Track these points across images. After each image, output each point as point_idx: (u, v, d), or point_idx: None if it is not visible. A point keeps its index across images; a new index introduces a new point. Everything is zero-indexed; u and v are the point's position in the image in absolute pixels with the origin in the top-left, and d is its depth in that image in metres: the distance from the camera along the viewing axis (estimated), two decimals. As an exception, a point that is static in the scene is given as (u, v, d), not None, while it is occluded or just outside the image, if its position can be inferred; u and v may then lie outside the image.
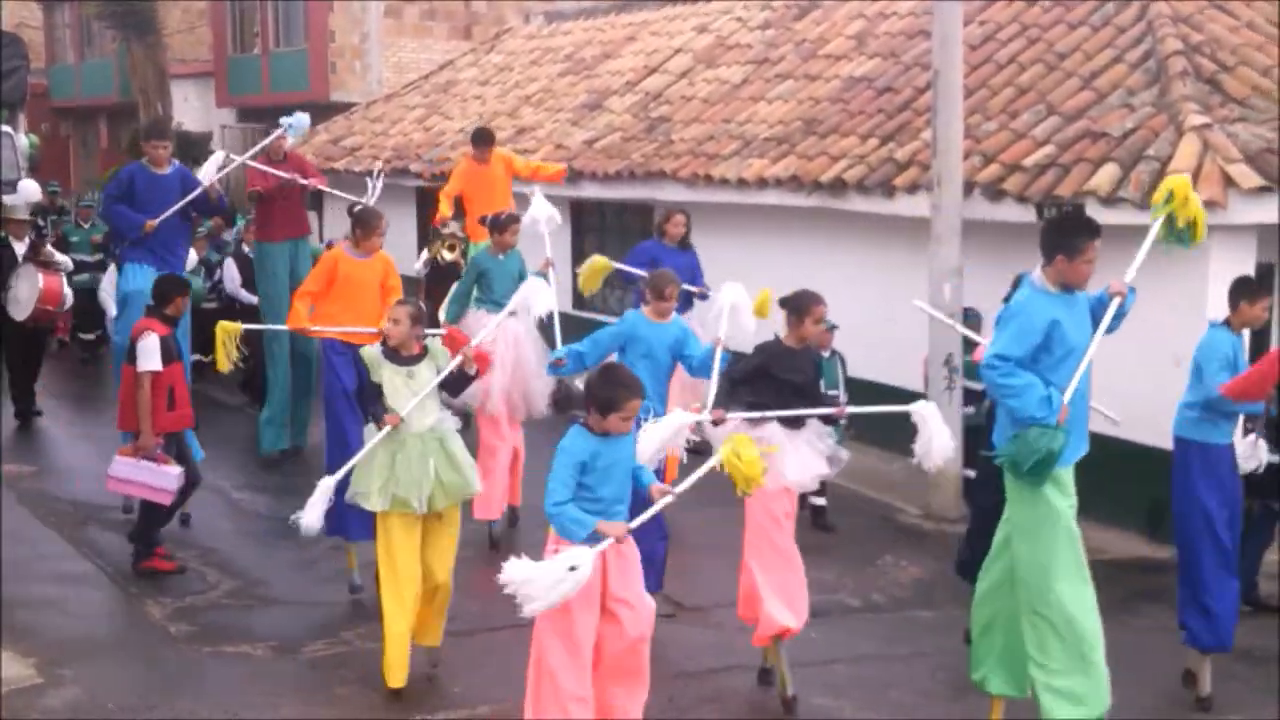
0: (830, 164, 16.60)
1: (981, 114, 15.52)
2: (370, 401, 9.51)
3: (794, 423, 9.43)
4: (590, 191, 20.52)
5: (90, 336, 21.80)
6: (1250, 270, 13.09)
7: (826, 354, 13.55)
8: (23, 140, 28.82)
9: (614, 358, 10.67)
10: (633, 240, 20.17)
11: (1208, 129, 13.17)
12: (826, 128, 17.56)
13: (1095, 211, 13.24)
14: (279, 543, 12.56)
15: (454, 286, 13.99)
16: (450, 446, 9.50)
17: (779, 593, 9.46)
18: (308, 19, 37.49)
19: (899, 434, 9.97)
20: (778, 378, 9.47)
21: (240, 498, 14.29)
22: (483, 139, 16.07)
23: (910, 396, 10.65)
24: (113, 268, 17.77)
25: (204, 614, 11.00)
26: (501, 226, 13.07)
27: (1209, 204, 12.45)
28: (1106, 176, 13.29)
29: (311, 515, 9.28)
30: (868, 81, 18.13)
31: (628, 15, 27.06)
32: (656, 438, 8.31)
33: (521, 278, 12.84)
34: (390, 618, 9.44)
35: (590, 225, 21.65)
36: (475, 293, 13.07)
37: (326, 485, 9.36)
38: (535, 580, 7.12)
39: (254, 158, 15.40)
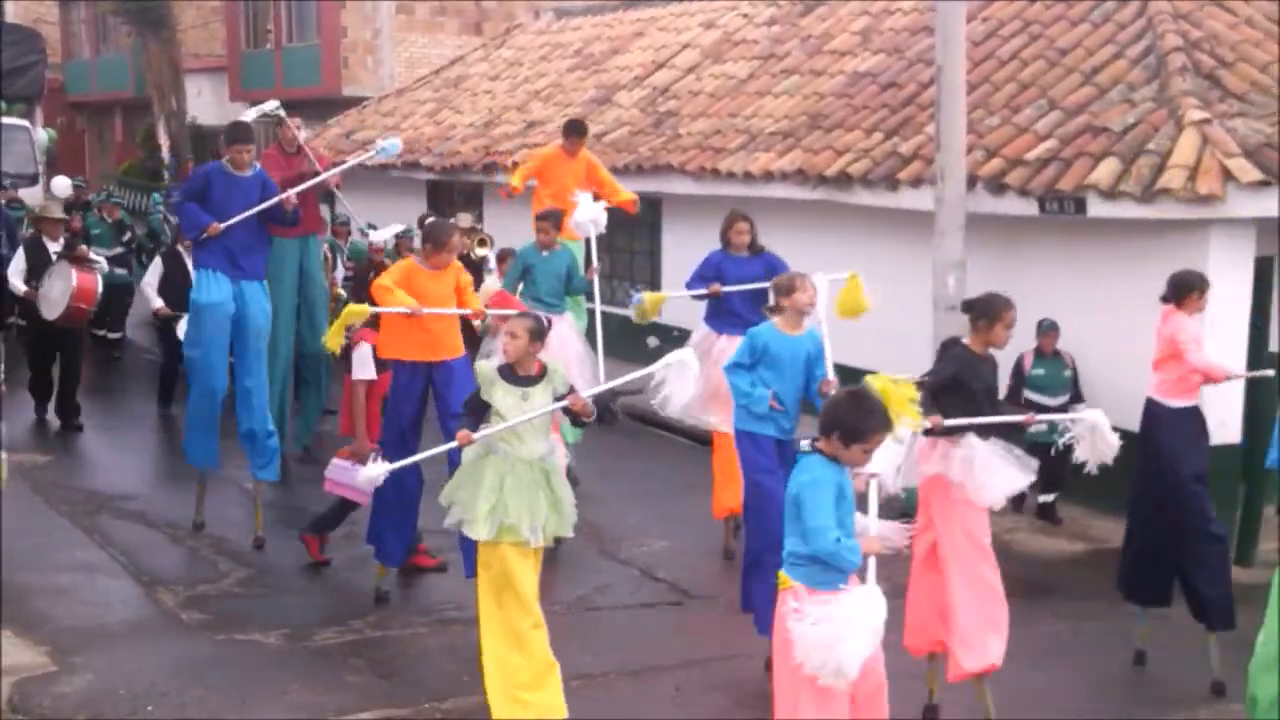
0: (835, 158, 16.59)
1: (984, 109, 15.49)
2: (473, 420, 8.70)
3: (985, 433, 8.98)
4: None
5: (116, 335, 20.96)
6: (1250, 264, 13.10)
7: (1048, 356, 13.81)
8: (41, 134, 28.85)
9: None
10: (639, 232, 20.21)
11: (1207, 124, 13.14)
12: (831, 122, 17.53)
13: (1096, 205, 13.29)
14: (290, 532, 12.55)
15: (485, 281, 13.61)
16: (555, 481, 8.74)
17: (990, 627, 9.02)
18: (320, 15, 37.48)
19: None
20: (969, 386, 8.93)
21: (253, 487, 14.26)
22: (576, 131, 14.83)
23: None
24: (157, 260, 17.62)
25: (216, 602, 11.00)
26: (540, 219, 12.95)
27: (1209, 198, 12.44)
28: (1107, 170, 13.27)
29: (375, 472, 8.82)
30: (872, 77, 18.11)
31: (636, 11, 27.01)
32: (889, 458, 7.86)
33: (569, 277, 12.88)
34: (499, 658, 8.63)
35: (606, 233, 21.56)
36: (520, 288, 12.86)
37: (379, 469, 8.84)
38: (836, 639, 6.54)
39: (272, 147, 15.02)
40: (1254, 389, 12.48)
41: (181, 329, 15.54)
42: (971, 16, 16.29)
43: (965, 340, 9.18)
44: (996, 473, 8.87)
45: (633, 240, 20.69)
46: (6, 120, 27.69)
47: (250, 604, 11.10)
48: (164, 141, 42.26)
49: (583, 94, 23.78)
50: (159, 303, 16.90)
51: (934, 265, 14.16)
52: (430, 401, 11.01)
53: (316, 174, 14.39)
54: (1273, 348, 13.27)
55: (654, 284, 20.22)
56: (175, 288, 16.42)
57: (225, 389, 12.65)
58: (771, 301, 10.08)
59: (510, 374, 8.59)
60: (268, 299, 12.77)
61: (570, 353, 12.33)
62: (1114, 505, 13.02)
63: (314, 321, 15.13)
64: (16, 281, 16.61)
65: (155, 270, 17.33)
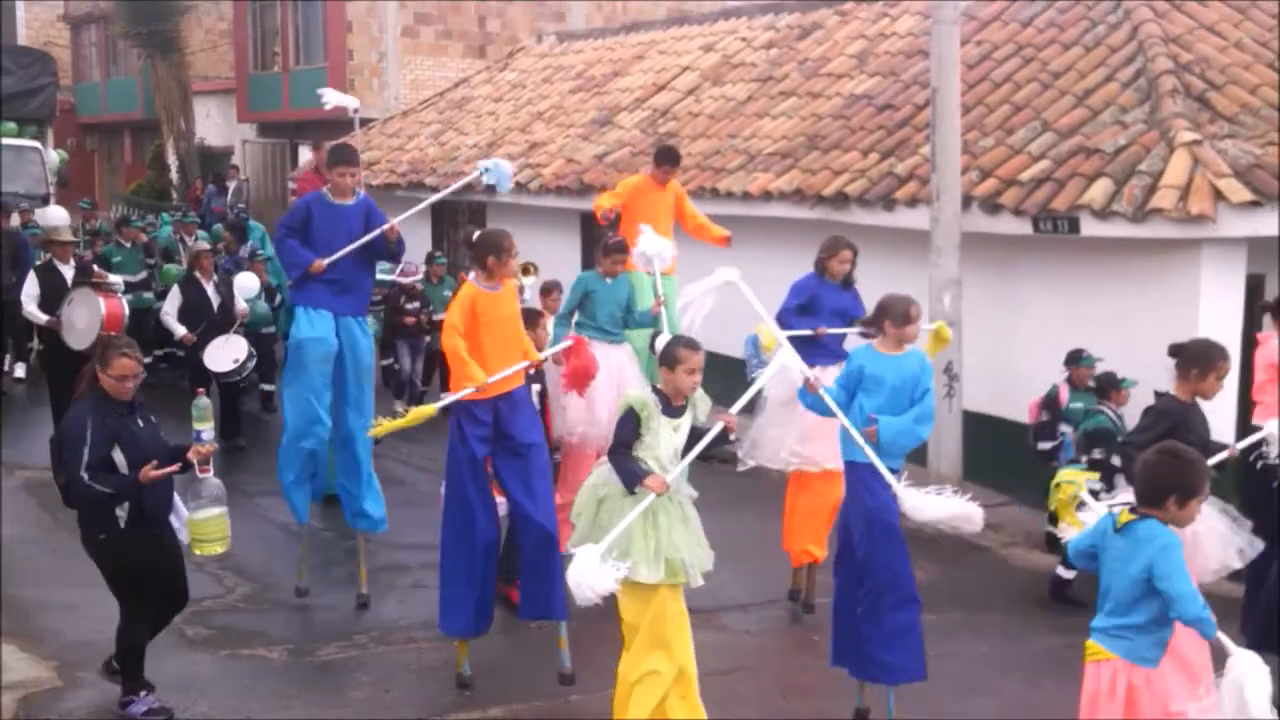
0: (832, 178, 16.57)
1: (979, 130, 15.47)
2: (623, 459, 8.07)
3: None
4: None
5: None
6: (1242, 282, 13.07)
7: (1082, 389, 13.02)
8: (52, 155, 28.87)
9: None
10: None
11: (1198, 145, 13.12)
12: (829, 143, 17.51)
13: (1089, 225, 13.26)
14: (294, 547, 12.49)
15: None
16: (689, 511, 8.32)
17: None
18: (327, 38, 37.48)
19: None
20: (1185, 440, 7.88)
21: (259, 502, 14.21)
22: (669, 158, 13.30)
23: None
24: (175, 289, 16.81)
25: (220, 617, 10.95)
26: (606, 251, 11.85)
27: (1200, 217, 12.42)
28: (1100, 191, 13.25)
29: (600, 583, 7.67)
30: (868, 99, 18.09)
31: (636, 35, 27.04)
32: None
33: (629, 308, 11.90)
34: (651, 705, 8.21)
35: (600, 237, 21.55)
36: (578, 316, 11.87)
37: (593, 551, 7.73)
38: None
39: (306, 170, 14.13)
40: (1246, 402, 12.50)
41: (213, 357, 15.32)
42: (966, 40, 16.28)
43: (1172, 390, 8.62)
44: (1219, 545, 8.36)
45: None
46: (19, 142, 27.73)
47: (254, 620, 11.04)
48: (172, 162, 42.26)
49: (584, 115, 23.77)
50: (182, 330, 16.31)
51: (930, 283, 14.13)
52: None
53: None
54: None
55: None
56: (196, 315, 16.17)
57: (327, 431, 11.36)
58: (866, 320, 9.71)
59: (666, 404, 8.20)
60: (370, 336, 11.71)
61: (629, 380, 11.51)
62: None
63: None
64: (32, 307, 15.95)
65: (174, 299, 16.66)
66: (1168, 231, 12.74)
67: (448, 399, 9.56)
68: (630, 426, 8.09)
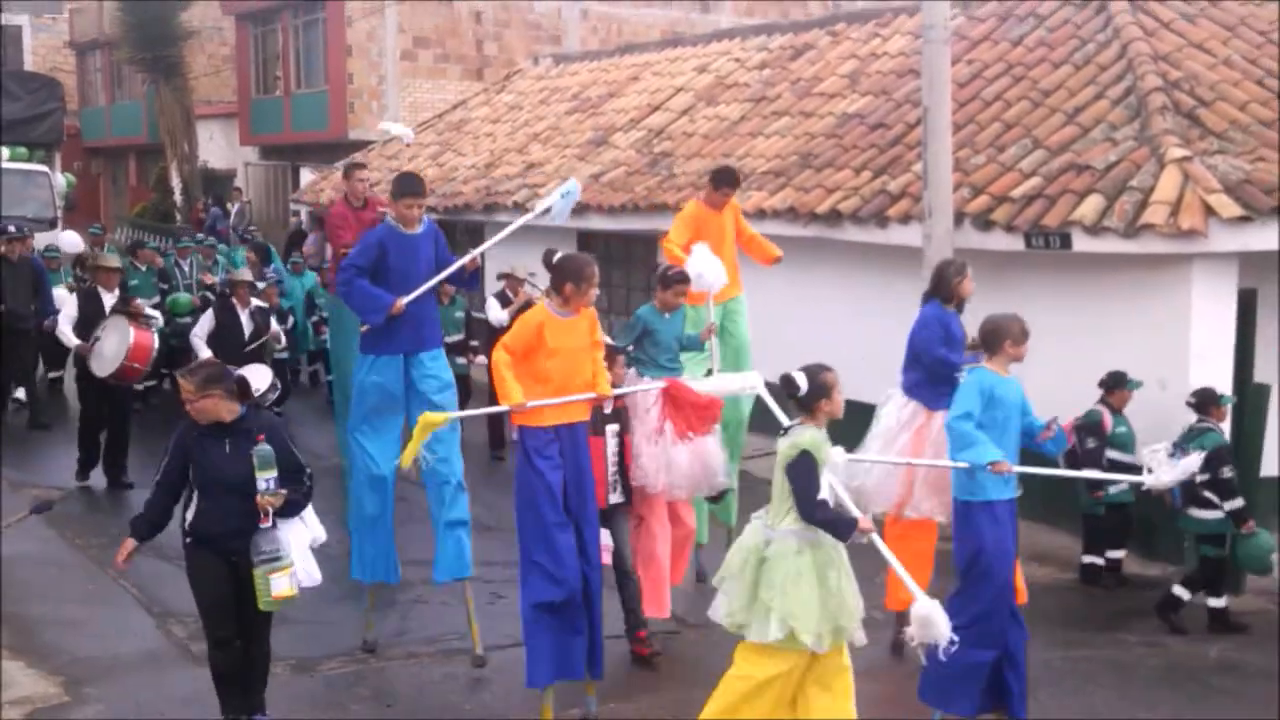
0: (826, 196, 16.50)
1: (970, 148, 15.40)
2: (825, 510, 7.51)
3: None
4: (596, 224, 20.42)
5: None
6: (1233, 296, 13.00)
7: (1121, 412, 12.73)
8: (60, 180, 28.79)
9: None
10: (635, 269, 20.08)
11: (1188, 161, 13.05)
12: (822, 162, 17.44)
13: (1081, 240, 13.18)
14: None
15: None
16: (844, 556, 7.79)
17: None
18: (328, 62, 37.48)
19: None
20: None
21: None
22: (729, 180, 12.28)
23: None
24: (209, 312, 16.37)
25: (225, 633, 10.84)
26: (667, 283, 10.80)
27: (1191, 232, 12.34)
28: (1091, 207, 13.18)
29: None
30: (860, 118, 18.03)
31: (631, 57, 27.02)
32: None
33: (688, 344, 11.02)
34: None
35: (598, 256, 21.44)
36: (639, 354, 10.79)
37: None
38: None
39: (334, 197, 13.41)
40: (1240, 417, 12.46)
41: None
42: (957, 59, 16.21)
43: None
44: None
45: (629, 277, 20.58)
46: (28, 166, 27.66)
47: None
48: (176, 184, 42.22)
49: (581, 136, 23.73)
50: (207, 353, 15.17)
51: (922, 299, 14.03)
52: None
53: None
54: (1257, 378, 13.17)
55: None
56: (228, 342, 15.60)
57: (394, 478, 10.52)
58: (977, 342, 9.31)
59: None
60: (448, 369, 10.64)
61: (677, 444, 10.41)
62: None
63: None
64: (67, 329, 15.51)
65: (206, 322, 16.09)
66: (1159, 247, 12.67)
67: (465, 413, 9.50)
68: (815, 473, 7.50)
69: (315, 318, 21.16)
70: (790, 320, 15.96)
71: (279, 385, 14.74)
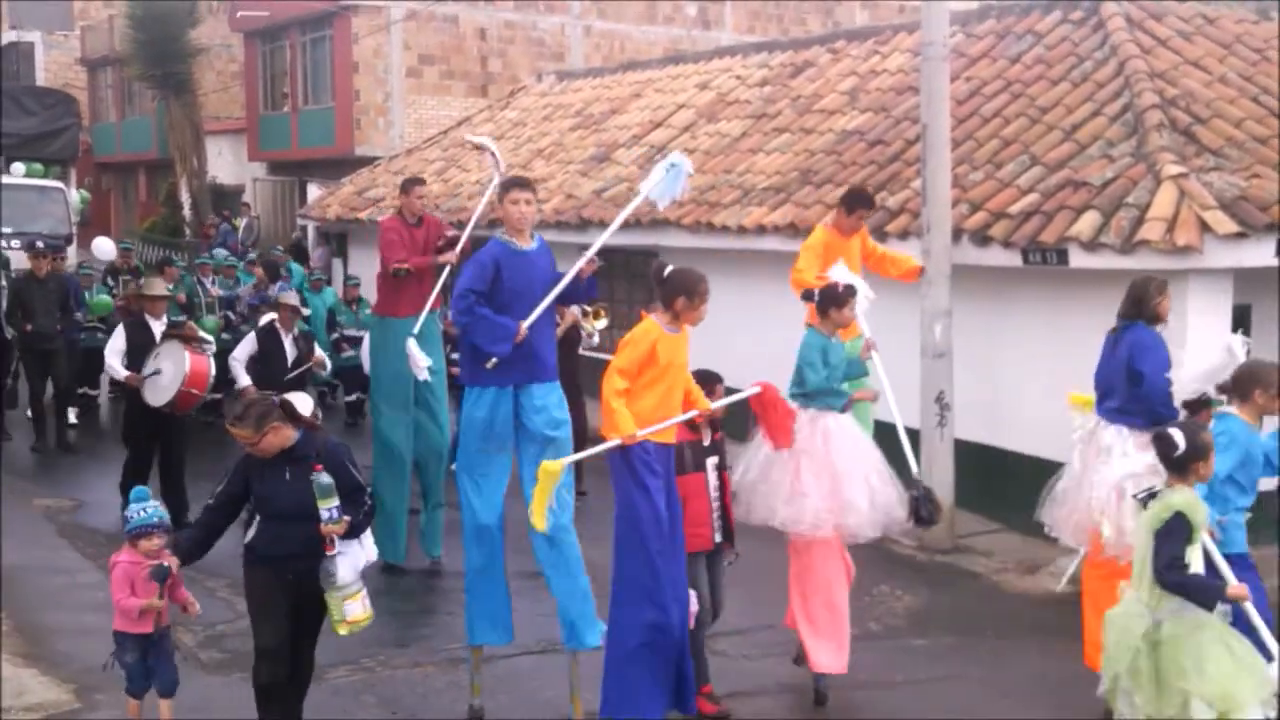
0: (825, 212, 16.40)
1: (968, 164, 15.38)
2: (1194, 578, 6.98)
3: None
4: (598, 238, 20.35)
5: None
6: (1228, 312, 12.97)
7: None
8: (74, 196, 28.70)
9: None
10: (636, 284, 20.05)
11: (1184, 178, 13.03)
12: (821, 178, 17.43)
13: (1078, 256, 13.16)
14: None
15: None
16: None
17: None
18: (335, 79, 37.56)
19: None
20: None
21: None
22: (863, 202, 11.72)
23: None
24: (251, 335, 15.07)
25: (232, 641, 10.84)
26: (840, 300, 9.81)
27: (1187, 249, 12.33)
28: (1088, 223, 13.15)
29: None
30: (860, 134, 18.02)
31: (634, 74, 27.02)
32: None
33: (850, 371, 10.08)
34: None
35: (599, 271, 21.45)
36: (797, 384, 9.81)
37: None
38: None
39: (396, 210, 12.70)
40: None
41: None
42: (955, 76, 16.19)
43: None
44: None
45: (631, 292, 20.56)
46: (43, 182, 27.61)
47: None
48: (185, 200, 42.27)
49: (583, 152, 23.72)
50: (246, 380, 14.39)
51: (922, 314, 14.02)
52: None
53: (444, 248, 12.52)
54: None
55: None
56: (269, 367, 14.55)
57: (501, 522, 9.34)
58: (1223, 386, 8.75)
59: None
60: (564, 404, 9.44)
61: (842, 445, 9.56)
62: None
63: (432, 410, 12.98)
64: (115, 362, 14.37)
65: (247, 346, 14.86)
66: (1155, 263, 12.63)
67: (581, 455, 8.78)
68: (1183, 538, 6.96)
69: (336, 335, 20.50)
70: (788, 335, 15.90)
71: (320, 414, 14.43)
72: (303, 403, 13.72)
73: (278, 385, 13.43)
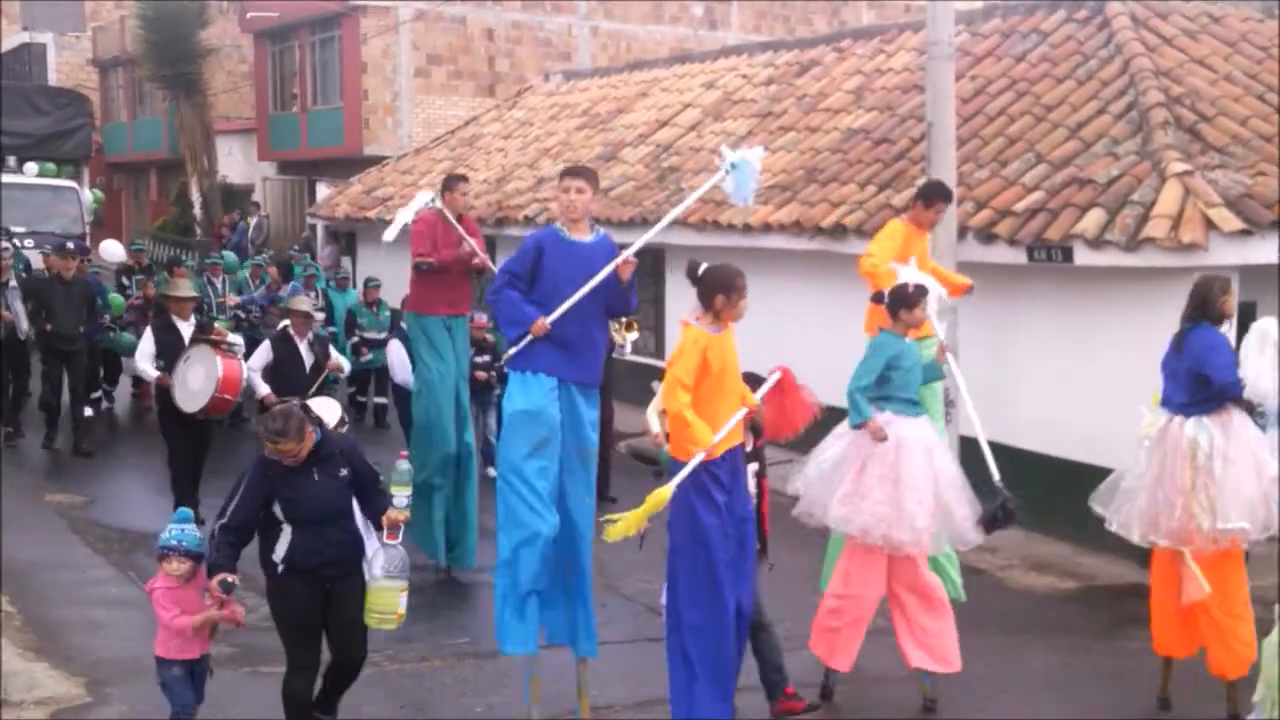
0: (830, 210, 16.46)
1: (974, 163, 15.36)
2: None
3: None
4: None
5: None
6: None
7: None
8: (88, 195, 28.63)
9: None
10: (643, 281, 20.01)
11: (1189, 175, 13.00)
12: (827, 176, 17.41)
13: (1083, 254, 13.13)
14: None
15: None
16: None
17: None
18: (343, 79, 37.54)
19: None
20: None
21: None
22: (942, 195, 11.20)
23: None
24: (266, 344, 14.54)
25: (242, 636, 10.73)
26: (912, 302, 9.42)
27: (1191, 246, 12.29)
28: (1093, 221, 13.12)
29: None
30: (865, 133, 17.99)
31: (640, 73, 27.02)
32: None
33: (926, 374, 9.72)
34: None
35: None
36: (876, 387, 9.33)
37: None
38: None
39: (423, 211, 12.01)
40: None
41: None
42: (960, 75, 16.18)
43: None
44: None
45: (638, 289, 20.49)
46: (57, 182, 27.57)
47: (274, 638, 10.77)
48: (196, 199, 42.27)
49: (590, 151, 23.69)
50: (265, 389, 13.91)
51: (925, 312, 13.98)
52: None
53: (475, 257, 11.96)
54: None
55: (658, 330, 20.09)
56: (285, 375, 14.03)
57: (556, 529, 8.79)
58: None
59: None
60: (596, 406, 9.05)
61: (914, 455, 9.20)
62: (1103, 543, 12.86)
63: (461, 412, 12.46)
64: (145, 365, 14.03)
65: (262, 355, 14.32)
66: (1160, 260, 12.61)
67: (682, 475, 8.11)
68: None
69: (356, 338, 19.73)
70: (795, 332, 15.91)
71: (347, 419, 14.00)
72: (330, 409, 13.31)
73: (298, 393, 12.98)
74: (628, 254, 8.76)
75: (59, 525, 13.96)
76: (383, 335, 18.86)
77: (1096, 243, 12.95)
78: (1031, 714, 9.57)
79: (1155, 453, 9.37)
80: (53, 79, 52.17)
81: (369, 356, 19.31)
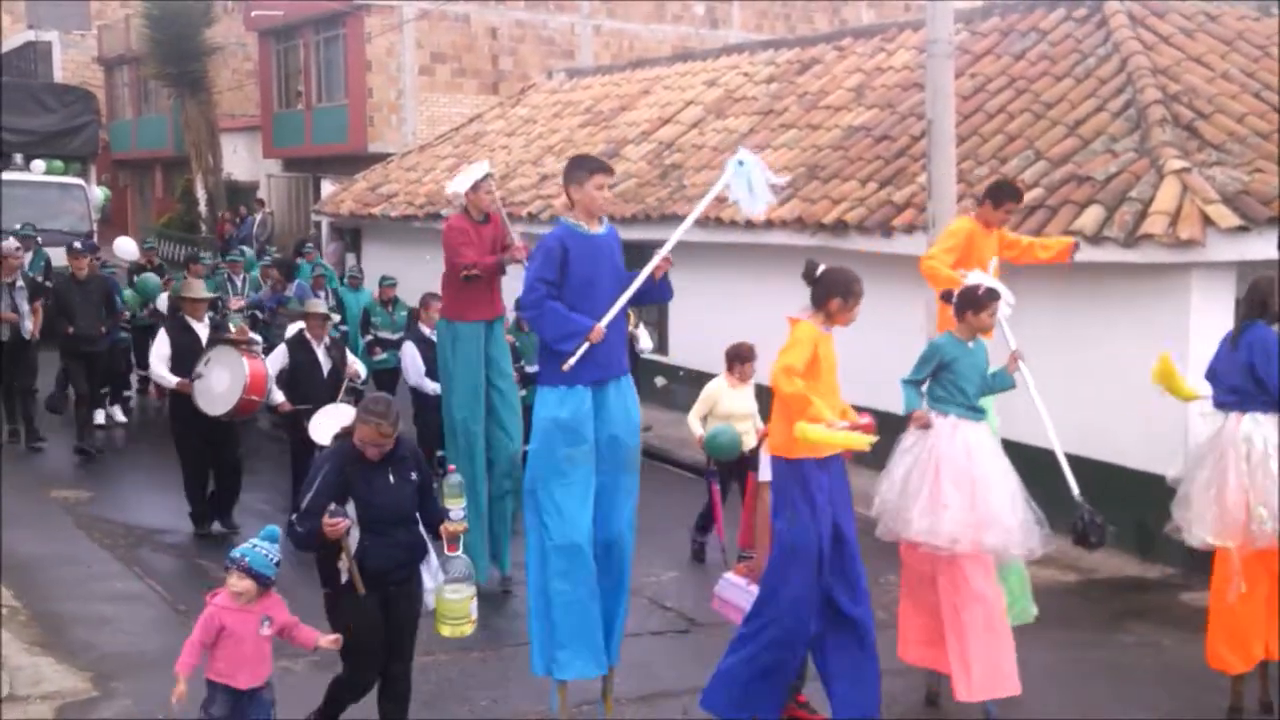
0: (832, 207, 16.46)
1: (973, 159, 15.36)
2: None
3: None
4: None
5: None
6: (1231, 305, 12.93)
7: None
8: (96, 193, 28.56)
9: None
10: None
11: (1186, 172, 12.99)
12: (828, 173, 17.40)
13: (1081, 250, 13.10)
14: (311, 565, 12.39)
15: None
16: None
17: None
18: (348, 77, 37.54)
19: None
20: None
21: (281, 520, 14.06)
22: (1012, 195, 10.62)
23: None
24: (282, 348, 13.85)
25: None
26: (977, 305, 9.00)
27: (1189, 242, 12.28)
28: (1091, 218, 13.12)
29: None
30: (866, 130, 17.99)
31: (643, 71, 27.02)
32: None
33: (995, 384, 9.33)
34: None
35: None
36: (937, 390, 9.03)
37: None
38: None
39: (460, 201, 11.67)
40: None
41: (320, 428, 12.16)
42: (960, 73, 16.19)
43: None
44: None
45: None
46: (64, 179, 27.50)
47: (280, 632, 10.90)
48: (201, 196, 42.29)
49: (593, 148, 23.65)
50: (280, 397, 13.44)
51: (927, 306, 13.94)
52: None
53: (513, 260, 11.45)
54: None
55: (661, 326, 20.07)
56: (303, 381, 13.50)
57: (590, 539, 8.46)
58: None
59: None
60: (637, 403, 8.80)
61: (985, 459, 8.93)
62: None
63: (502, 420, 11.80)
64: (162, 370, 13.43)
65: (278, 360, 13.60)
66: (1158, 256, 12.61)
67: (831, 436, 7.67)
68: None
69: (370, 337, 19.07)
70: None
71: None
72: (347, 416, 13.04)
73: (318, 399, 13.04)
74: (664, 252, 8.60)
75: (64, 520, 13.95)
76: (398, 335, 18.46)
77: (1095, 239, 12.94)
78: (1033, 707, 9.55)
79: (1211, 452, 9.22)
80: (58, 77, 52.18)
81: (383, 356, 18.78)
